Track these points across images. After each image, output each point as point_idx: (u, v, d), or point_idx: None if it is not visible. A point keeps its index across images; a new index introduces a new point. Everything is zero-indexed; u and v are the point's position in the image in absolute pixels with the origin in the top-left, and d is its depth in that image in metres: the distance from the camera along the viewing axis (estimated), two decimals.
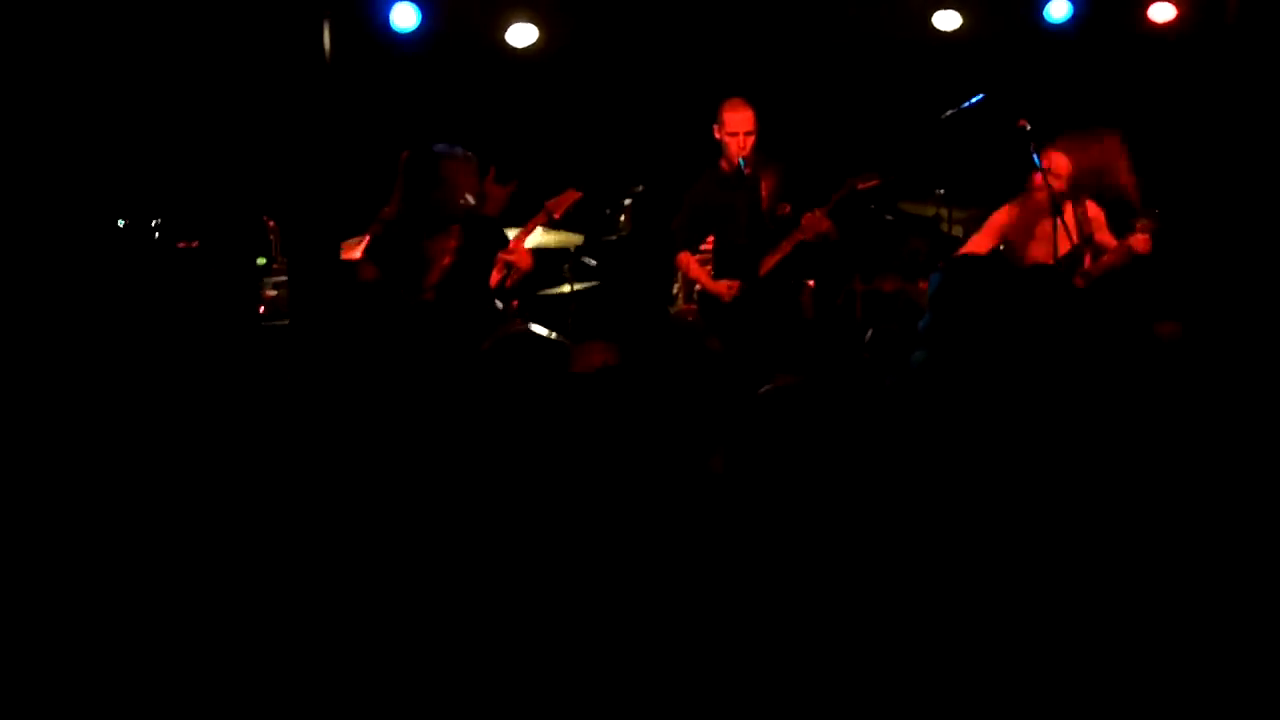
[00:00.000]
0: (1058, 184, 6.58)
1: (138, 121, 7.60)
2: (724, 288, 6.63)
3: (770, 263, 6.66)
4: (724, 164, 6.76)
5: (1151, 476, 3.30)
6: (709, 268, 6.86)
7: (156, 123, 7.64)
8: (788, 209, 6.70)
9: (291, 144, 6.39)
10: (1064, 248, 6.44)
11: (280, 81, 6.38)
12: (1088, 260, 6.60)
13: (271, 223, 7.47)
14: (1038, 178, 6.52)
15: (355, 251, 6.37)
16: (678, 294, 7.38)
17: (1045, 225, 6.61)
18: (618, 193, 8.45)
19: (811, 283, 7.36)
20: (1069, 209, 6.60)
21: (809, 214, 6.55)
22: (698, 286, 6.97)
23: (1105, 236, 6.69)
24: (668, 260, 7.03)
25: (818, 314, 7.32)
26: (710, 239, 6.90)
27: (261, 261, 7.38)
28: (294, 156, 6.42)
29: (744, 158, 6.58)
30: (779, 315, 6.75)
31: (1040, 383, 3.71)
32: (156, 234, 7.57)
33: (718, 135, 6.71)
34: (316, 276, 6.23)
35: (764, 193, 6.65)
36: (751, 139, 6.62)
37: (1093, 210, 6.78)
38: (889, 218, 7.87)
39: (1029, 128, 6.44)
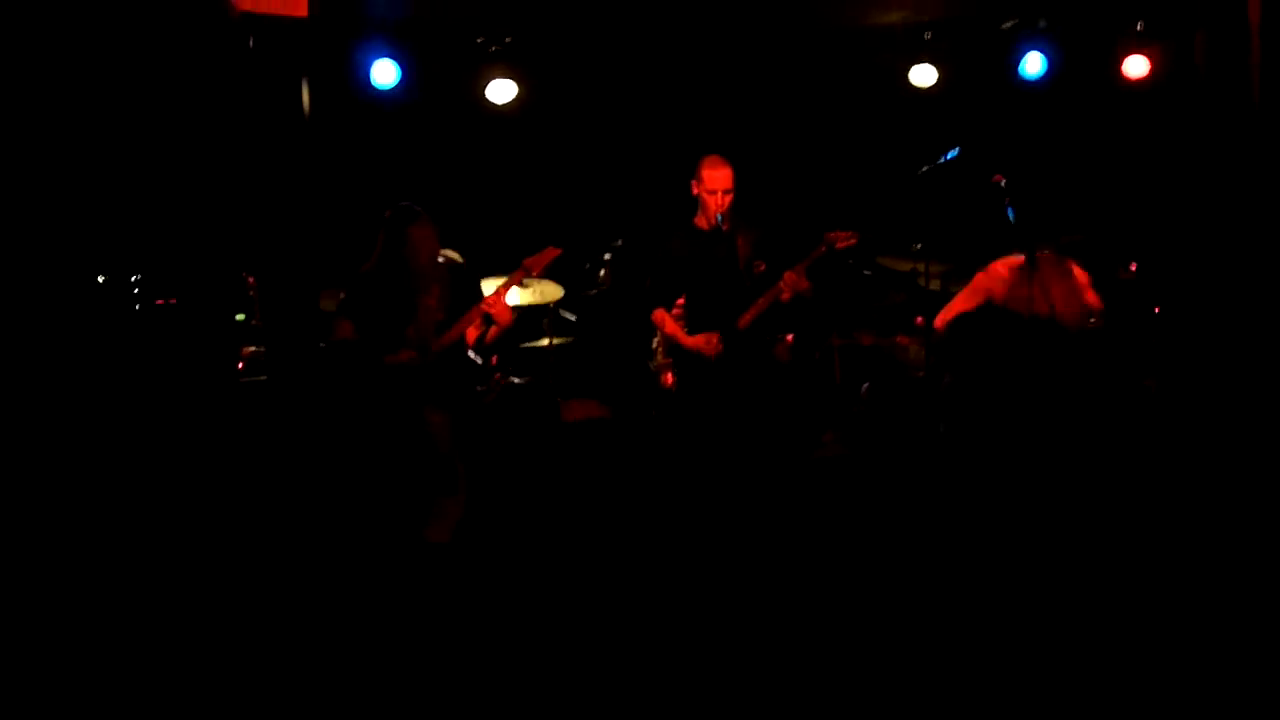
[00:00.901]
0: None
1: (118, 176, 7.61)
2: (702, 341, 6.62)
3: (749, 317, 6.66)
4: (699, 220, 6.77)
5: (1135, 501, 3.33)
6: (683, 323, 6.86)
7: (137, 178, 7.65)
8: (763, 267, 6.70)
9: (271, 200, 6.42)
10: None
11: (260, 138, 6.40)
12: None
13: (251, 279, 7.48)
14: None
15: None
16: (657, 348, 7.39)
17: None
18: (597, 248, 8.48)
19: (790, 337, 7.37)
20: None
21: (789, 272, 6.56)
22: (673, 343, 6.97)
23: (1091, 296, 6.69)
24: (643, 316, 7.03)
25: (796, 367, 7.33)
26: (682, 297, 6.90)
27: (240, 318, 7.38)
28: (273, 213, 6.45)
29: (721, 214, 6.59)
30: (758, 368, 6.75)
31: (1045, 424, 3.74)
32: (136, 290, 7.57)
33: (695, 191, 6.73)
34: (293, 332, 6.25)
35: (740, 250, 6.65)
36: (730, 197, 6.63)
37: (1077, 271, 6.77)
38: (867, 273, 7.90)
39: (1004, 183, 6.47)
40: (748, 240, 6.68)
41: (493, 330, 6.44)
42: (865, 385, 7.27)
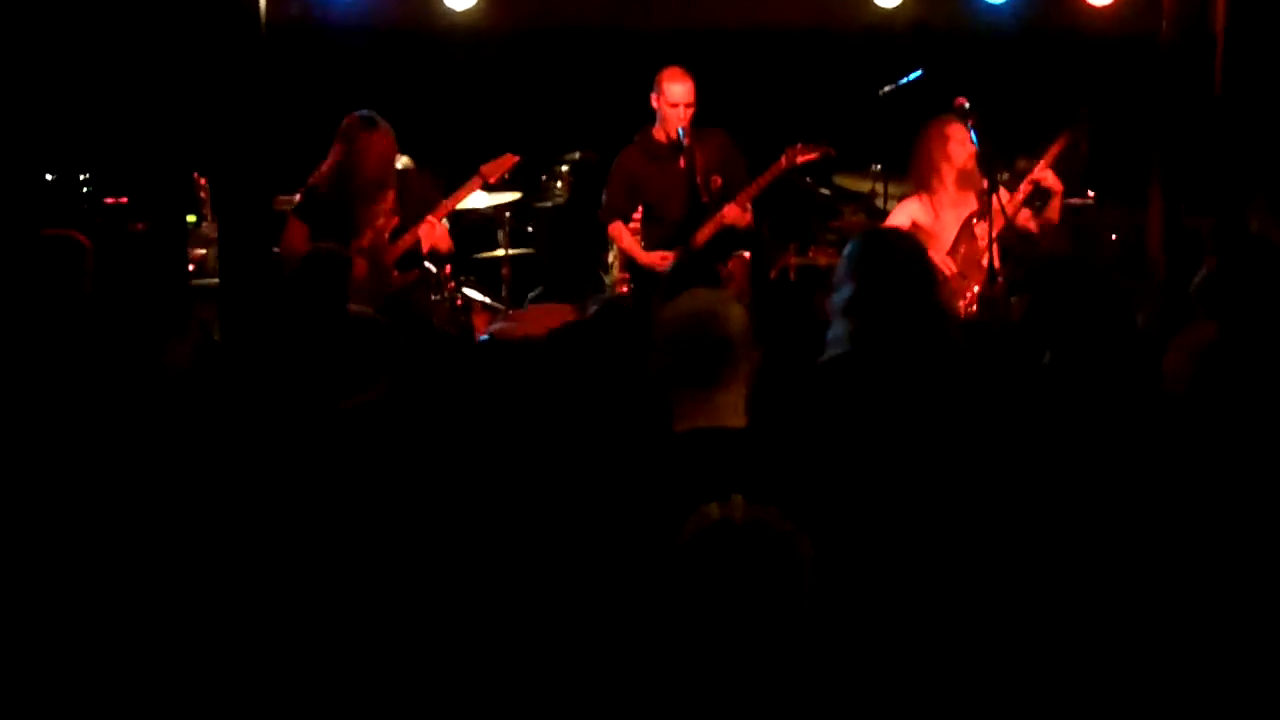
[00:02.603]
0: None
1: (68, 75, 7.48)
2: (658, 259, 6.59)
3: (704, 235, 6.63)
4: (658, 133, 6.71)
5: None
6: (640, 238, 6.82)
7: (87, 77, 7.52)
8: (720, 182, 6.66)
9: (224, 101, 6.32)
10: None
11: (213, 37, 6.29)
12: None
13: (202, 180, 7.38)
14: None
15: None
16: (613, 263, 7.35)
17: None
18: (555, 159, 8.42)
19: (747, 254, 7.35)
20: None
21: (730, 205, 6.53)
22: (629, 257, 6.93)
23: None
24: (600, 230, 6.98)
25: (753, 286, 7.32)
26: (639, 211, 6.86)
27: (192, 220, 7.29)
28: (226, 114, 6.35)
29: (682, 129, 6.53)
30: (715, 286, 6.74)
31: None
32: (85, 189, 7.46)
33: (655, 104, 6.66)
34: (248, 234, 6.18)
35: (698, 165, 6.61)
36: (691, 110, 6.57)
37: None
38: (825, 192, 7.87)
39: (967, 105, 6.43)
40: (706, 154, 6.63)
41: (425, 247, 6.35)
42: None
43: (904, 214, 6.54)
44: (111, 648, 3.10)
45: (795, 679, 2.31)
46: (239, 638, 3.07)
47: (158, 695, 3.04)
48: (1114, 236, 7.55)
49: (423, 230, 6.24)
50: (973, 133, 6.33)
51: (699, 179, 6.59)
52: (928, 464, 3.32)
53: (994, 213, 6.17)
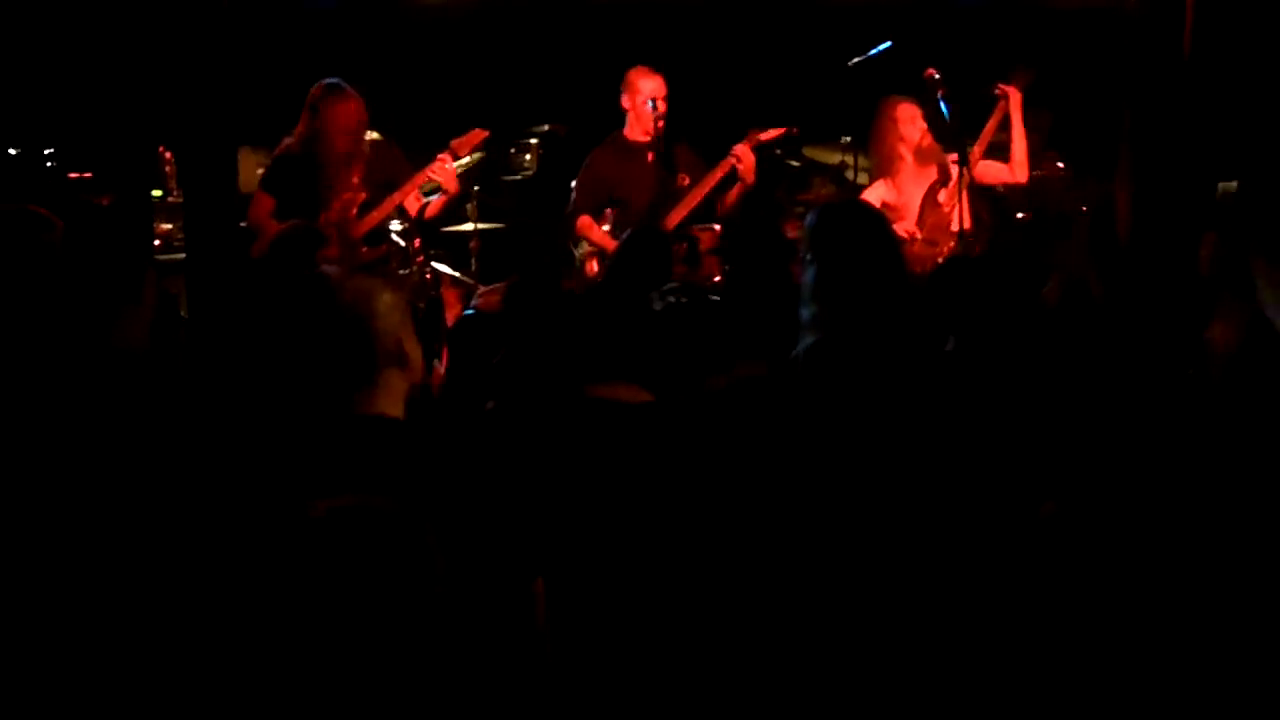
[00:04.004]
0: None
1: (30, 49, 7.39)
2: None
3: (677, 217, 6.60)
4: (629, 133, 6.68)
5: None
6: (609, 232, 6.79)
7: (49, 49, 7.43)
8: (686, 180, 6.66)
9: (188, 73, 6.25)
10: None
11: (177, 8, 6.22)
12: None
13: (168, 154, 7.31)
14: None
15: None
16: (583, 257, 7.31)
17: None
18: (524, 132, 8.37)
19: (717, 228, 7.32)
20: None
21: (740, 144, 6.50)
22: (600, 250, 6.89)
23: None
24: (568, 225, 6.92)
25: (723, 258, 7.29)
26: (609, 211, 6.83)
27: (157, 194, 7.22)
28: (190, 86, 6.28)
29: (658, 126, 6.51)
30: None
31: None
32: (48, 164, 7.39)
33: (626, 104, 6.62)
34: (213, 208, 6.11)
35: (675, 162, 6.61)
36: (664, 106, 6.55)
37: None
38: (794, 164, 7.86)
39: (937, 76, 6.43)
40: (678, 153, 6.64)
41: (437, 202, 6.31)
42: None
43: (873, 196, 6.59)
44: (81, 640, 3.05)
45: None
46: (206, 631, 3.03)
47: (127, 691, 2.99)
48: (1084, 209, 7.56)
49: (433, 172, 6.15)
50: (943, 104, 6.36)
51: (668, 172, 6.60)
52: (897, 458, 3.30)
53: (954, 178, 6.30)
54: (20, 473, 3.13)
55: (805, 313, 3.71)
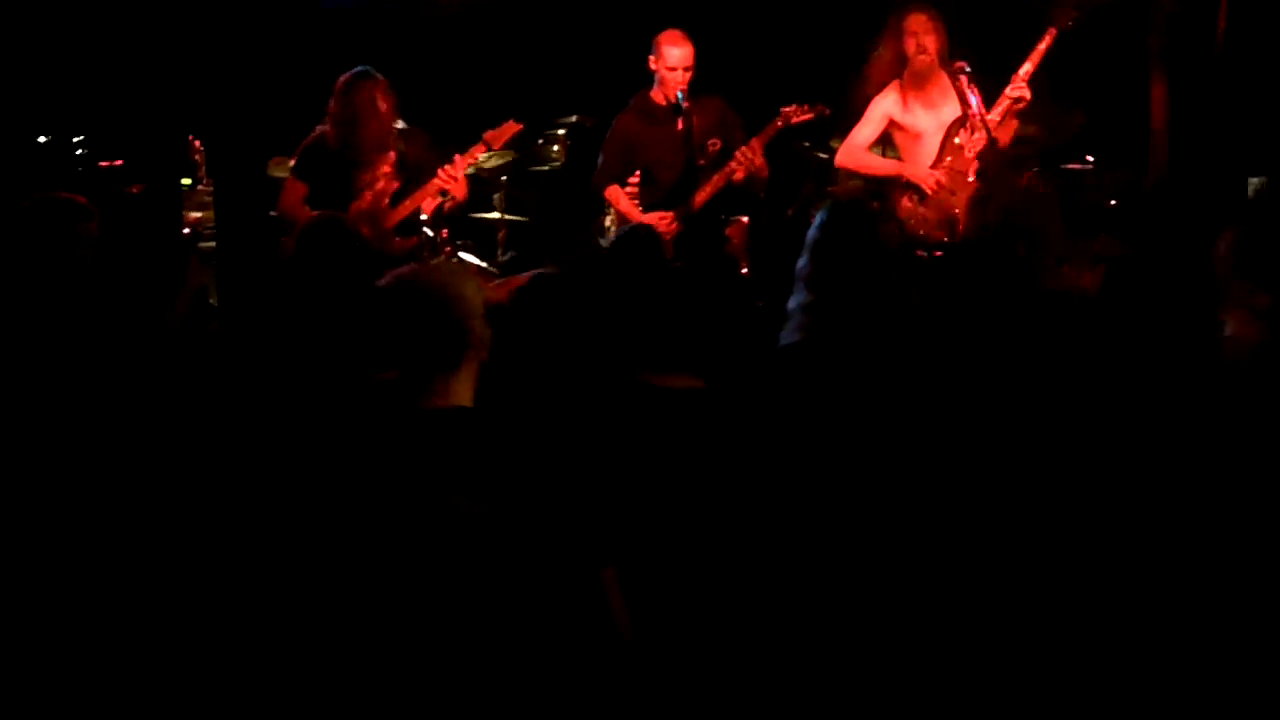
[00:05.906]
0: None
1: (62, 37, 7.42)
2: (657, 219, 6.54)
3: (703, 196, 6.58)
4: (655, 96, 6.65)
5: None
6: (637, 201, 6.79)
7: (81, 39, 7.46)
8: (719, 145, 6.62)
9: (218, 64, 6.27)
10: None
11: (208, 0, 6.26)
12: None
13: (197, 143, 7.33)
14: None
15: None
16: (609, 226, 7.32)
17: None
18: (551, 123, 8.37)
19: (745, 219, 7.32)
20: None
21: (743, 148, 6.47)
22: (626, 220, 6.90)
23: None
24: (596, 193, 6.93)
25: (751, 251, 7.30)
26: (636, 175, 6.82)
27: (187, 183, 7.25)
28: (221, 76, 6.30)
29: (681, 92, 6.48)
30: (712, 250, 6.71)
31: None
32: (79, 152, 7.42)
33: (653, 67, 6.61)
34: (243, 197, 6.14)
35: (696, 127, 6.55)
36: (690, 74, 6.52)
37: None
38: (822, 155, 7.84)
39: (968, 68, 6.39)
40: (704, 118, 6.59)
41: (449, 204, 6.34)
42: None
43: (879, 109, 6.56)
44: (114, 621, 3.07)
45: None
46: (238, 617, 3.05)
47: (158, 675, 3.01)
48: (1112, 202, 7.53)
49: (443, 175, 6.14)
50: (971, 97, 6.31)
51: (696, 142, 6.55)
52: (874, 455, 3.31)
53: (975, 125, 6.24)
54: (86, 453, 3.18)
55: (793, 299, 3.77)
